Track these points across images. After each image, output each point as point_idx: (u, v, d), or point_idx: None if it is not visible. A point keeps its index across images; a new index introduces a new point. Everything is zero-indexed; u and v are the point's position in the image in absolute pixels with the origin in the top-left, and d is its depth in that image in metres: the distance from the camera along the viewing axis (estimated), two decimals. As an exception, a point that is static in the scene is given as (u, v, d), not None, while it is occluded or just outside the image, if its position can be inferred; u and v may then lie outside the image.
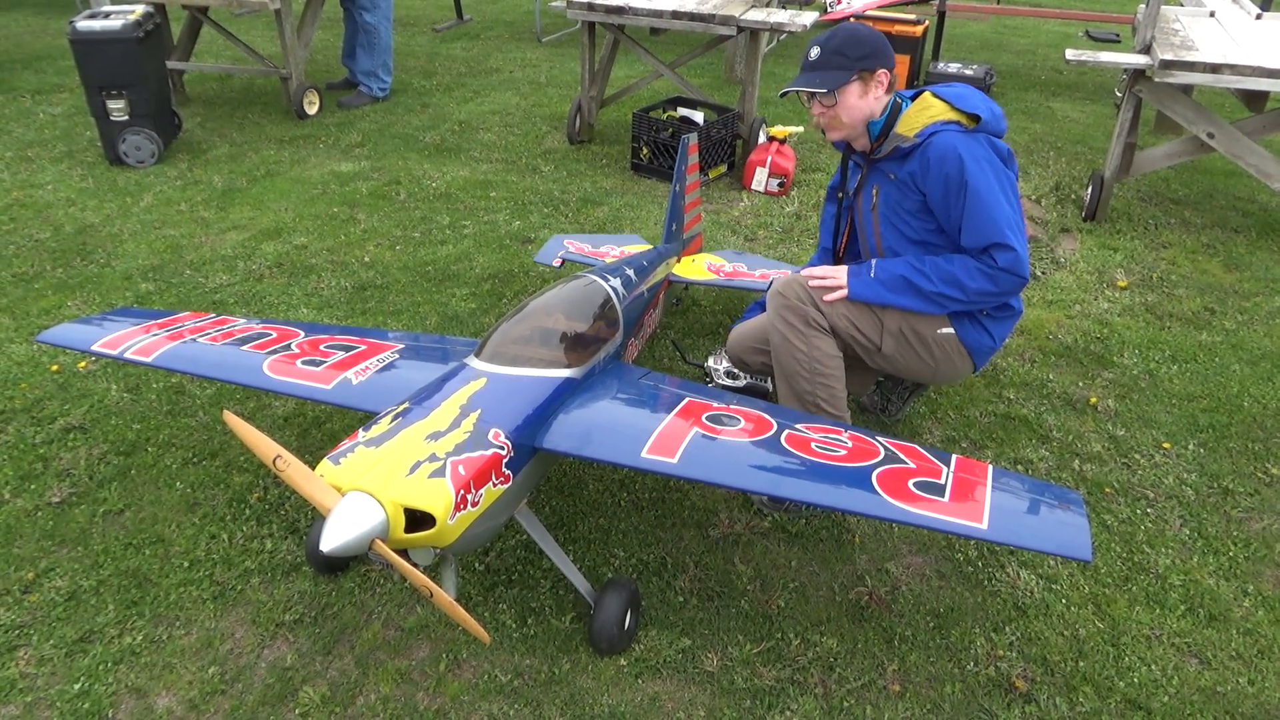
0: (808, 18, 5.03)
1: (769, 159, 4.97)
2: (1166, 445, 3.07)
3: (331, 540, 1.78)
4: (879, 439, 2.29)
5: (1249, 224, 4.80)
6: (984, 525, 1.95)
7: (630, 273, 3.00)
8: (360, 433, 2.04)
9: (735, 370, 3.10)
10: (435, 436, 2.01)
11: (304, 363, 2.55)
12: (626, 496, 2.80)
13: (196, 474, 2.85)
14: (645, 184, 5.14)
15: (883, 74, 2.57)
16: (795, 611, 2.41)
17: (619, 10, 5.02)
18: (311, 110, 6.19)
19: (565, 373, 2.37)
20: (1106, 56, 4.42)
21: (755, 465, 2.13)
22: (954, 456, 2.23)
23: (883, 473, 2.09)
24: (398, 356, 2.59)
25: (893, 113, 2.59)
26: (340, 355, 2.60)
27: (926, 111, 2.55)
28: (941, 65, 6.73)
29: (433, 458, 1.94)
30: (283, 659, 2.24)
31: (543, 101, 6.56)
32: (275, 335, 2.74)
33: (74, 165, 5.27)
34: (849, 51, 2.54)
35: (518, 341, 2.42)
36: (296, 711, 2.12)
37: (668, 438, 2.19)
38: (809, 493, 2.05)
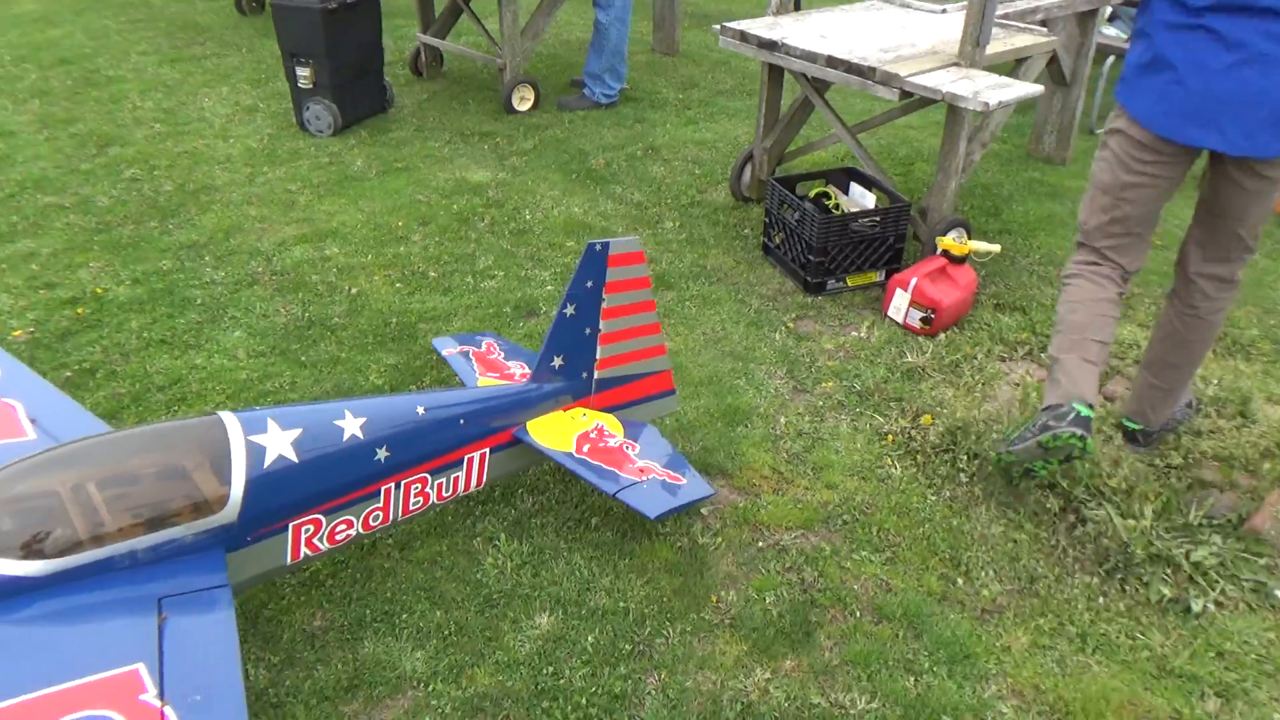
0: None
1: (913, 281, 3.53)
2: None
3: None
4: None
5: None
6: None
7: (356, 422, 2.13)
8: None
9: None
10: None
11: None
12: None
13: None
14: (763, 274, 3.96)
15: None
16: None
17: (771, 45, 3.85)
18: (523, 106, 5.79)
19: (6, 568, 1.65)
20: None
21: None
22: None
23: None
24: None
25: None
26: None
27: None
28: None
29: None
30: None
31: (765, 139, 5.49)
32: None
33: (274, 126, 5.43)
34: None
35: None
36: None
37: None
38: None
